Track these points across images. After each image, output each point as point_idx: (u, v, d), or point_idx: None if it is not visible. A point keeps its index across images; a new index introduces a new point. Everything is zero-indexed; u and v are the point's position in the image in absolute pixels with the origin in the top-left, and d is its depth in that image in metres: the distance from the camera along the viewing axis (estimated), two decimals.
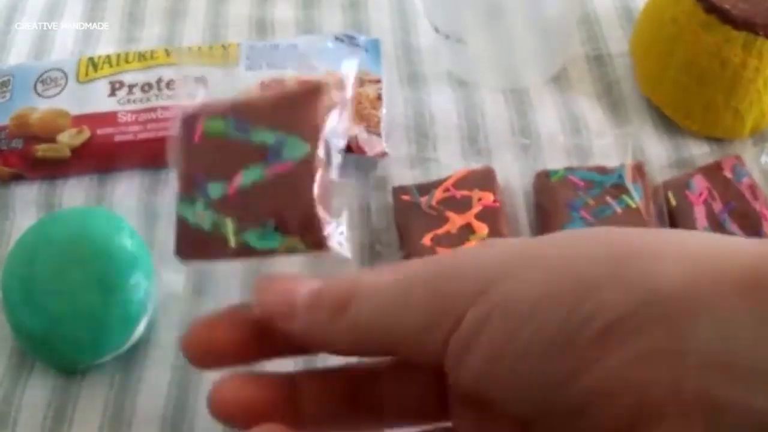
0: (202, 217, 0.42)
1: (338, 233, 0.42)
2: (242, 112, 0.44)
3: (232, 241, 0.41)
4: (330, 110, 0.43)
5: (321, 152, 0.42)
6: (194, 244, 0.43)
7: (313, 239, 0.41)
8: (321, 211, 0.41)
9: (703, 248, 0.31)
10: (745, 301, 0.28)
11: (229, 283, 0.52)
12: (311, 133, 0.42)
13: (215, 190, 0.42)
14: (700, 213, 0.52)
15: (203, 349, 0.37)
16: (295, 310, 0.35)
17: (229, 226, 0.42)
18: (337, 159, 0.43)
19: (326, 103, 0.43)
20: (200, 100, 0.46)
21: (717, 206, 0.53)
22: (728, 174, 0.54)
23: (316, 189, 0.42)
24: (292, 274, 0.47)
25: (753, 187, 0.53)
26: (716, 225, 0.52)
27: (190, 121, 0.44)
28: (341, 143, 0.44)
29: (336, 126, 0.44)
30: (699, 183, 0.54)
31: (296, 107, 0.44)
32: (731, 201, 0.53)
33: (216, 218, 0.42)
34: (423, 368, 0.35)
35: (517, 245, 0.35)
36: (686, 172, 0.55)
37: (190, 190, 0.43)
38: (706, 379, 0.28)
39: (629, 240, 0.32)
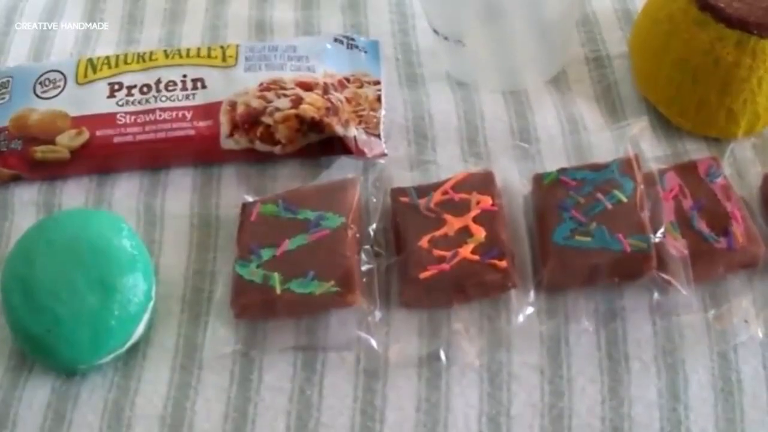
0: (254, 273, 0.51)
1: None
2: (290, 198, 0.54)
3: (278, 289, 0.50)
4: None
5: (353, 224, 0.52)
6: (246, 293, 0.51)
7: (345, 283, 0.50)
8: (353, 263, 0.51)
9: None
10: None
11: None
12: (346, 210, 0.53)
13: (267, 253, 0.52)
14: (668, 208, 0.52)
15: None
16: None
17: (277, 278, 0.50)
18: None
19: (358, 192, 0.54)
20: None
21: (687, 203, 0.53)
22: (702, 174, 0.54)
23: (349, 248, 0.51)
24: None
25: (726, 188, 0.53)
26: (684, 221, 0.52)
27: (248, 206, 0.55)
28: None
29: None
30: (671, 180, 0.54)
31: (334, 193, 0.54)
32: (701, 199, 0.53)
33: (266, 273, 0.51)
34: None
35: None
36: (660, 168, 0.55)
37: (246, 255, 0.52)
38: None
39: None
